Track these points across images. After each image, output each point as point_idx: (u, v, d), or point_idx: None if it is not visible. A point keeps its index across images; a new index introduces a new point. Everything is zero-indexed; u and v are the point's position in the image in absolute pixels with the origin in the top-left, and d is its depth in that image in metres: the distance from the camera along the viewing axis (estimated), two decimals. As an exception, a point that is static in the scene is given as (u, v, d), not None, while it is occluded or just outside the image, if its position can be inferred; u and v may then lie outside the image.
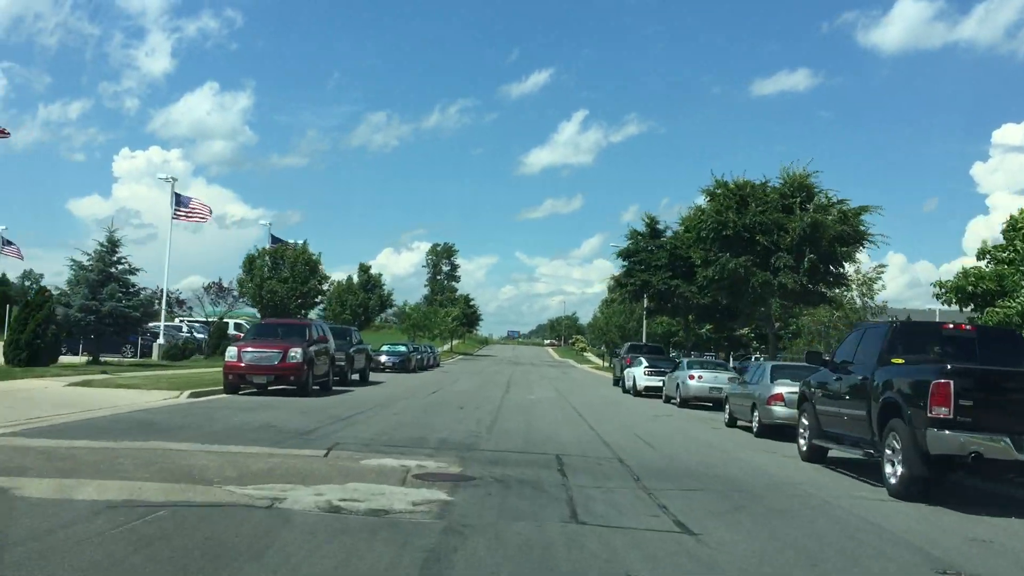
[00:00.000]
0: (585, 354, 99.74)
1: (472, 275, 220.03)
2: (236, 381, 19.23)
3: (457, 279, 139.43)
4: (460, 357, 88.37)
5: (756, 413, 16.56)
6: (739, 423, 18.42)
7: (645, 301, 45.01)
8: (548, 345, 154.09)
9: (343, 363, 25.11)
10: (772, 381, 16.37)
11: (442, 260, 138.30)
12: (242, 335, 28.51)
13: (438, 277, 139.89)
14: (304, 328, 21.86)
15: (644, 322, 51.66)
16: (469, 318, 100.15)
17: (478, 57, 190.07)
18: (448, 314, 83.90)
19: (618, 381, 37.93)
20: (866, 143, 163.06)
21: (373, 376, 31.39)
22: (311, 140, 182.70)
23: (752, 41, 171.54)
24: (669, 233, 39.36)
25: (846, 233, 25.41)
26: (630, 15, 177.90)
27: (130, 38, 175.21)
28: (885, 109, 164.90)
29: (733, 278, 25.71)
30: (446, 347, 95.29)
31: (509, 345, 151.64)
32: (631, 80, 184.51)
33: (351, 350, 26.65)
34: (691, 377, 24.32)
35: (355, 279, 42.81)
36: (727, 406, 19.33)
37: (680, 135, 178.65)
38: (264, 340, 20.25)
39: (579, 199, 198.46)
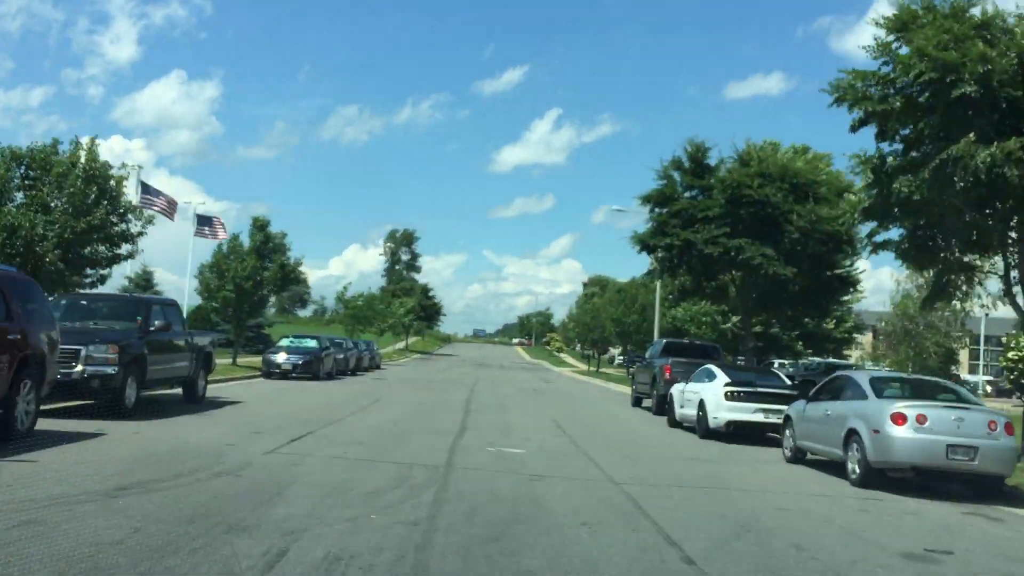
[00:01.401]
0: (561, 354, 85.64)
1: (439, 273, 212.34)
2: None
3: (418, 269, 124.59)
4: (417, 356, 73.88)
5: None
6: None
7: (665, 280, 31.20)
8: (517, 344, 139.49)
9: (107, 371, 11.33)
10: None
11: (401, 248, 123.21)
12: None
13: (396, 267, 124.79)
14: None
15: (658, 309, 37.31)
16: (428, 311, 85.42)
17: (453, 52, 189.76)
18: (402, 305, 69.38)
19: (639, 401, 23.97)
20: (837, 146, 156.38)
21: (247, 387, 19.24)
22: (279, 133, 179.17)
23: (728, 44, 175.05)
24: (724, 172, 25.33)
25: None
26: (607, 15, 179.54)
27: (95, 24, 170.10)
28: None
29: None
30: (399, 345, 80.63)
31: (475, 344, 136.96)
32: (606, 80, 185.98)
33: (143, 341, 12.46)
34: (897, 419, 10.20)
35: (246, 240, 28.03)
36: None
37: (653, 136, 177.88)
38: None
39: (550, 198, 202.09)
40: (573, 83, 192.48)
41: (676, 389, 18.07)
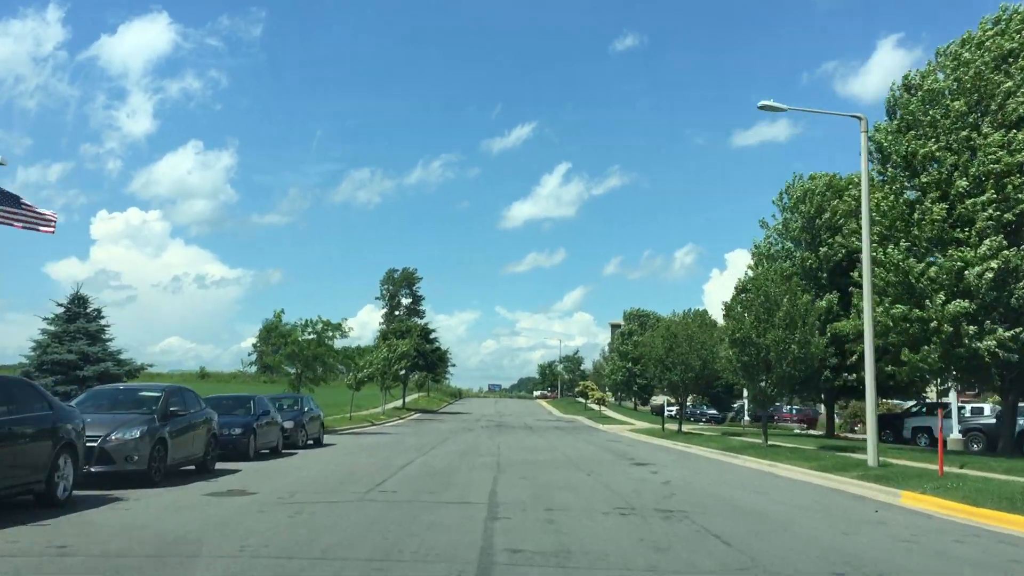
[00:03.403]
0: (602, 407, 67.77)
1: (453, 330, 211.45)
2: None
3: (421, 314, 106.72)
4: (414, 417, 56.47)
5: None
6: None
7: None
8: (540, 397, 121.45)
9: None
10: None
11: (401, 290, 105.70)
12: None
13: (396, 312, 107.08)
14: None
15: (868, 309, 19.80)
16: (428, 359, 68.10)
17: (461, 113, 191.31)
18: (389, 350, 52.42)
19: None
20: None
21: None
22: (293, 198, 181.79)
23: (733, 93, 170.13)
24: None
25: None
26: (612, 68, 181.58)
27: (112, 99, 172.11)
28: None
29: None
30: (395, 403, 63.27)
31: (490, 399, 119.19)
32: (614, 132, 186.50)
33: None
34: None
35: None
36: None
37: (663, 187, 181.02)
38: None
39: (561, 252, 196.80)
40: (581, 137, 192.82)
41: None
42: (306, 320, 31.42)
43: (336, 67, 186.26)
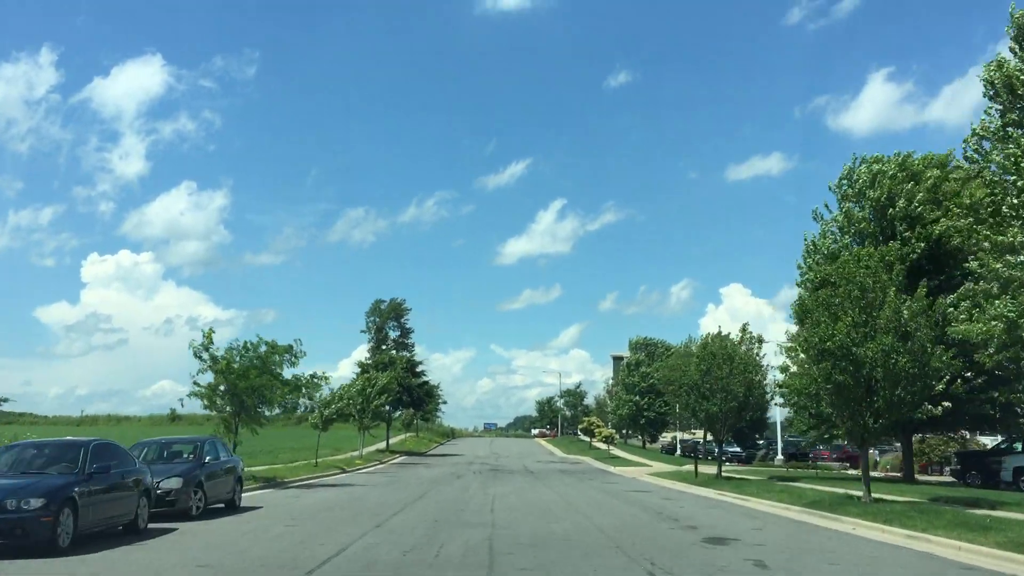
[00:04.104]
0: (610, 447, 60.14)
1: (449, 369, 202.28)
2: None
3: (410, 348, 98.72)
4: (397, 461, 49.13)
5: None
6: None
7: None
8: (538, 435, 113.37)
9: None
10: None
11: (388, 322, 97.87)
12: None
13: (383, 347, 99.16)
14: None
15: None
16: (414, 394, 60.72)
17: (455, 150, 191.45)
18: (367, 383, 45.37)
19: None
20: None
21: None
22: (287, 237, 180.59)
23: (726, 127, 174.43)
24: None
25: None
26: (605, 104, 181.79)
27: (104, 141, 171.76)
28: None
29: None
30: (378, 445, 55.77)
31: (485, 438, 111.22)
32: (608, 168, 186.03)
33: None
34: None
35: None
36: None
37: (658, 222, 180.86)
38: None
39: (557, 289, 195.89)
40: (576, 173, 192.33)
41: None
42: (245, 343, 24.36)
43: (330, 106, 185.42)
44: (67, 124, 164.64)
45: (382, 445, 57.83)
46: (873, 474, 39.90)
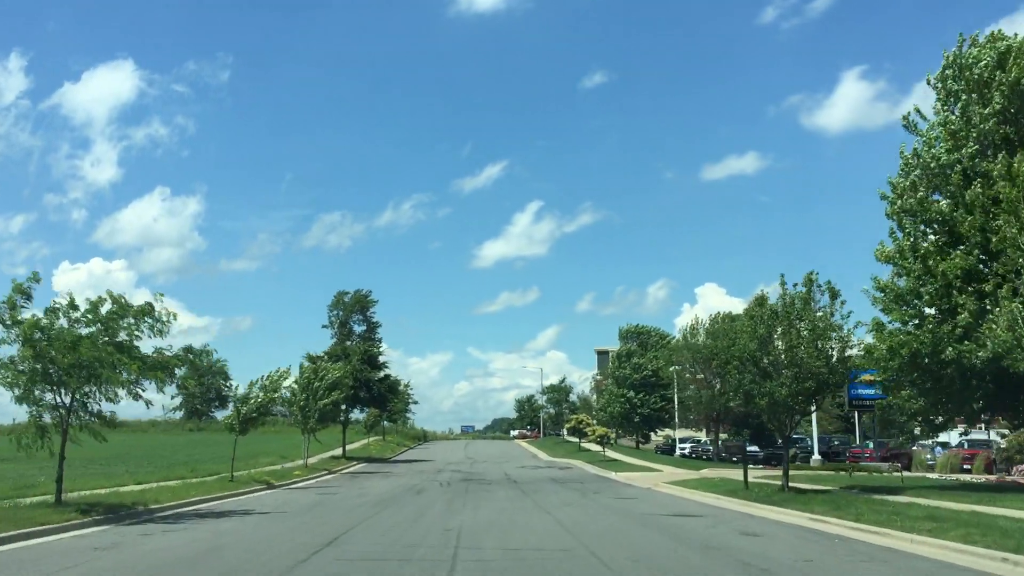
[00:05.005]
0: (605, 449, 51.82)
1: (426, 372, 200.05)
2: None
3: (377, 343, 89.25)
4: (352, 468, 40.83)
5: None
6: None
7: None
8: (518, 437, 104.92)
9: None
10: None
11: (352, 315, 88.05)
12: None
13: (348, 342, 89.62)
14: None
15: None
16: (374, 391, 52.00)
17: (431, 153, 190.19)
18: (313, 375, 36.99)
19: None
20: (811, 223, 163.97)
21: None
22: (262, 243, 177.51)
23: (701, 127, 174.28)
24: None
25: None
26: (581, 105, 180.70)
27: (76, 148, 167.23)
28: (830, 188, 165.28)
29: None
30: (334, 451, 47.17)
31: (461, 441, 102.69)
32: (584, 169, 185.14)
33: None
34: None
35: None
36: None
37: (634, 222, 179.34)
38: None
39: (534, 291, 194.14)
40: (552, 175, 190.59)
41: None
42: (85, 299, 15.94)
43: (304, 110, 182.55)
44: (37, 130, 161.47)
45: (339, 451, 49.36)
46: (954, 478, 31.39)
